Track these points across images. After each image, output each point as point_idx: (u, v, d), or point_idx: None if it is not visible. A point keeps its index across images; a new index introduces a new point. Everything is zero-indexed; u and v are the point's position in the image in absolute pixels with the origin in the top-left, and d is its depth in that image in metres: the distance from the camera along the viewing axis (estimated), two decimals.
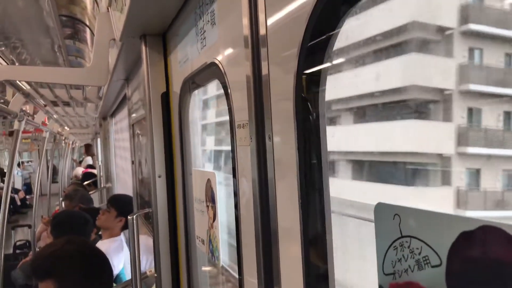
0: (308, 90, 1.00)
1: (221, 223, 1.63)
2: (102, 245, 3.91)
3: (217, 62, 1.50)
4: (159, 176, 2.28)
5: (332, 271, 0.98)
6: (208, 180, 1.67)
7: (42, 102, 5.71)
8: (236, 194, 1.36)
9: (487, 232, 0.52)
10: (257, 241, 1.17)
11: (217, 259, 1.63)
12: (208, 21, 1.57)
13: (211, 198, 1.66)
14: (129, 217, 2.32)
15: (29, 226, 7.60)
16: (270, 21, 1.10)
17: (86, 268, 2.30)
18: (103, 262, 2.47)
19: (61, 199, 7.08)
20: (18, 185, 18.00)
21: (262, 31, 1.13)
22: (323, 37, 0.93)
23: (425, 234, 0.62)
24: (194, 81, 1.90)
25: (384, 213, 0.69)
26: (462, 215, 0.56)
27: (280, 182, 1.10)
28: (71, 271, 2.25)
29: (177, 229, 2.31)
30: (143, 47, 2.32)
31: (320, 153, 0.99)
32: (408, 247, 0.65)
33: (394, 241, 0.67)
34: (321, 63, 0.97)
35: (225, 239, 1.76)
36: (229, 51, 1.43)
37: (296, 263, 1.01)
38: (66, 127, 11.06)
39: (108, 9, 2.78)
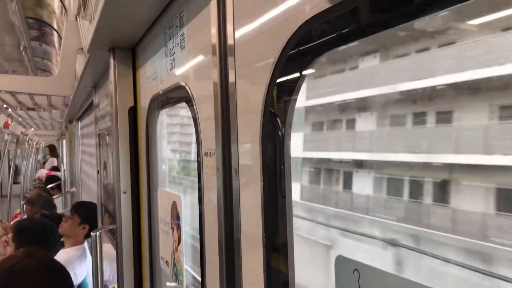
0: (278, 99, 1.01)
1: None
2: (64, 254, 3.81)
3: (185, 84, 1.49)
4: (124, 192, 2.24)
5: (293, 277, 1.01)
6: (174, 203, 1.66)
7: (4, 105, 5.52)
8: (201, 210, 1.37)
9: None
10: (221, 251, 1.18)
11: (181, 283, 1.62)
12: (178, 43, 1.57)
13: (176, 221, 1.64)
14: (92, 234, 2.27)
15: None
16: (239, 32, 1.11)
17: (46, 282, 2.23)
18: (63, 275, 2.41)
19: (22, 202, 6.85)
20: None
21: (230, 41, 1.14)
22: (301, 48, 0.94)
23: None
24: (163, 99, 1.88)
25: (344, 267, 0.70)
26: (418, 282, 0.57)
27: (244, 194, 1.12)
28: (31, 285, 2.18)
29: (141, 246, 2.27)
30: (112, 60, 2.27)
31: (284, 162, 1.01)
32: None
33: None
34: (298, 75, 0.98)
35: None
36: (197, 73, 1.43)
37: (258, 270, 1.03)
38: (31, 128, 10.74)
39: (76, 17, 2.71)
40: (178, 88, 1.56)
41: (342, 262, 0.71)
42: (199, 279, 1.39)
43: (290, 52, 0.91)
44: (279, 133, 1.02)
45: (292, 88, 1.00)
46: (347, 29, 0.80)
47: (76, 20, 2.71)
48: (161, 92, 1.81)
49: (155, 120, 2.03)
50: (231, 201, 1.15)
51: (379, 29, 0.71)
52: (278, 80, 0.97)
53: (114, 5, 1.67)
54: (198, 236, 1.41)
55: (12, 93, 4.71)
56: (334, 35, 0.86)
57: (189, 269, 1.81)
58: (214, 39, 1.18)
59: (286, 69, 0.95)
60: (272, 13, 0.96)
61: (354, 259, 0.69)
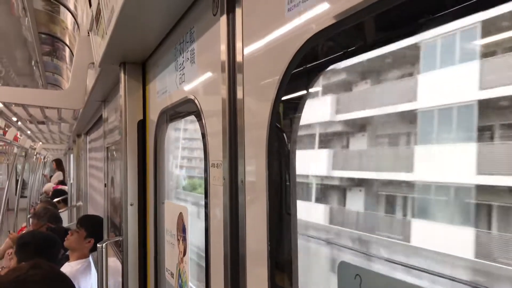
0: (284, 116, 1.03)
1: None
2: (69, 267, 3.81)
3: (194, 98, 1.53)
4: (131, 204, 2.26)
5: None
6: (180, 214, 1.68)
7: (15, 118, 5.61)
8: (207, 222, 1.39)
9: None
10: (226, 266, 1.19)
11: None
12: (188, 58, 1.61)
13: (182, 232, 1.66)
14: (98, 245, 2.29)
15: None
16: (247, 49, 1.15)
17: None
18: (68, 287, 2.41)
19: (28, 216, 6.88)
20: None
21: (238, 58, 1.17)
22: (307, 67, 0.97)
23: None
24: (172, 113, 1.92)
25: (347, 272, 0.72)
26: (418, 284, 0.59)
27: (250, 210, 1.13)
28: None
29: (147, 259, 2.28)
30: (122, 75, 2.32)
31: (290, 178, 1.03)
32: None
33: None
34: (302, 92, 1.01)
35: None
36: (206, 88, 1.47)
37: (263, 286, 1.04)
38: (39, 142, 10.84)
39: (88, 33, 2.78)
40: (187, 101, 1.60)
41: (344, 268, 0.73)
42: None
43: (295, 69, 0.95)
44: (285, 149, 1.04)
45: (297, 105, 1.03)
46: (352, 45, 0.83)
47: (89, 35, 2.78)
48: (171, 105, 1.85)
49: (163, 133, 2.07)
50: (237, 212, 1.17)
51: (384, 45, 0.74)
52: (284, 97, 1.00)
53: (126, 21, 1.72)
54: (203, 245, 1.43)
55: (24, 107, 4.79)
56: (339, 51, 0.90)
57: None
58: (224, 56, 1.22)
59: (291, 86, 0.98)
60: (279, 30, 0.99)
61: (356, 265, 0.71)
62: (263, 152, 1.04)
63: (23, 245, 4.11)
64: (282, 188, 1.05)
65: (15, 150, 7.03)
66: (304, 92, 1.02)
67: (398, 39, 0.69)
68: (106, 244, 2.33)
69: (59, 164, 14.22)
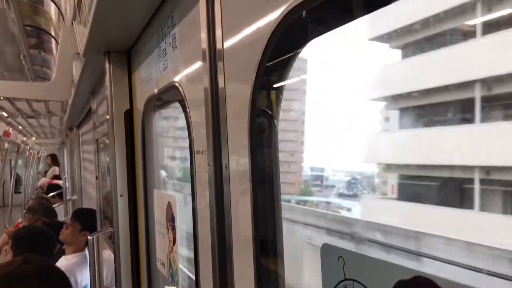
0: (264, 104, 1.02)
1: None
2: (65, 261, 3.81)
3: (177, 84, 1.50)
4: (121, 195, 2.24)
5: (283, 279, 1.02)
6: (169, 203, 1.66)
7: (4, 113, 5.54)
8: (194, 211, 1.38)
9: (421, 283, 0.53)
10: (213, 255, 1.19)
11: (176, 284, 1.61)
12: (170, 43, 1.57)
13: (171, 221, 1.64)
14: (89, 237, 2.27)
15: None
16: (227, 36, 1.12)
17: None
18: (62, 281, 2.39)
19: (24, 211, 6.85)
20: None
21: (219, 46, 1.15)
22: (283, 55, 0.95)
23: (366, 279, 0.63)
24: (158, 100, 1.89)
25: (329, 255, 0.70)
26: (400, 264, 0.57)
27: (234, 197, 1.12)
28: None
29: (139, 249, 2.27)
30: (107, 64, 2.29)
31: (273, 166, 1.03)
32: None
33: (338, 283, 0.68)
34: (279, 79, 1.00)
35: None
36: (189, 73, 1.44)
37: (249, 273, 1.03)
38: (32, 137, 10.77)
39: (72, 22, 2.73)
40: (171, 88, 1.57)
41: (327, 250, 0.71)
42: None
43: (272, 52, 0.92)
44: (268, 135, 1.03)
45: (277, 90, 1.02)
46: (332, 15, 0.80)
47: (72, 25, 2.73)
48: (155, 93, 1.82)
49: (150, 121, 2.04)
50: (222, 200, 1.16)
51: (364, 12, 0.71)
52: (262, 84, 0.98)
53: (107, 8, 1.68)
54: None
55: (10, 100, 4.73)
56: (316, 25, 0.87)
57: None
58: (204, 44, 1.19)
59: (268, 70, 0.97)
60: (256, 12, 0.97)
61: (339, 247, 0.69)
62: (245, 139, 1.02)
63: (18, 240, 4.10)
64: (265, 175, 1.04)
65: (6, 145, 6.97)
66: (283, 76, 1.00)
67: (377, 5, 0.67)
68: (97, 236, 2.31)
69: (54, 159, 14.18)
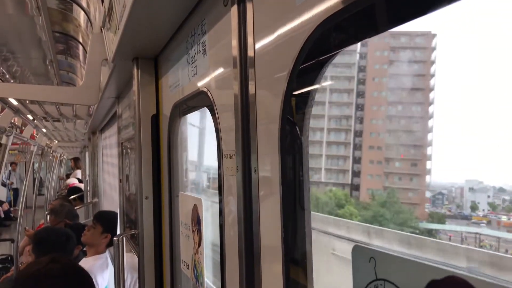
0: (295, 111, 1.04)
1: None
2: (86, 262, 3.87)
3: (206, 91, 1.54)
4: (146, 198, 2.29)
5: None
6: (195, 206, 1.69)
7: (31, 116, 5.70)
8: (221, 216, 1.40)
9: (454, 283, 0.55)
10: (241, 261, 1.20)
11: (201, 285, 1.64)
12: (199, 51, 1.62)
13: (197, 223, 1.67)
14: (114, 238, 2.32)
15: (12, 241, 7.46)
16: (258, 43, 1.15)
17: (69, 287, 2.28)
18: (86, 281, 2.45)
19: (46, 213, 6.99)
20: (3, 197, 17.72)
21: (250, 53, 1.18)
22: (315, 62, 0.97)
23: (398, 279, 0.65)
24: (184, 106, 1.94)
25: (361, 255, 0.72)
26: (432, 264, 0.59)
27: (263, 203, 1.14)
28: None
29: (162, 251, 2.31)
30: (135, 70, 2.35)
31: (303, 173, 1.03)
32: None
33: (369, 283, 0.70)
34: (311, 86, 1.01)
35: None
36: (218, 79, 1.47)
37: (278, 281, 1.04)
38: (55, 140, 10.99)
39: (101, 29, 2.81)
40: (200, 94, 1.61)
41: (358, 251, 0.73)
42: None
43: (305, 60, 0.94)
44: (298, 143, 1.05)
45: (307, 98, 1.03)
46: (362, 27, 0.83)
47: (101, 32, 2.81)
48: (183, 98, 1.86)
49: (177, 126, 2.08)
50: (250, 205, 1.17)
51: (394, 25, 0.73)
52: (294, 90, 1.00)
53: (138, 15, 1.73)
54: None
55: (39, 104, 4.87)
56: (349, 36, 0.90)
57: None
58: (235, 52, 1.22)
59: (301, 77, 0.98)
60: (289, 20, 0.99)
61: (370, 247, 0.71)
62: (275, 146, 1.04)
63: (39, 241, 4.20)
64: (295, 182, 1.05)
65: (32, 148, 7.13)
66: (315, 83, 1.02)
67: (410, 17, 0.69)
68: (122, 237, 2.36)
69: (76, 162, 14.43)
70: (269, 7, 1.10)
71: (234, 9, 1.23)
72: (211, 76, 1.53)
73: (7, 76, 5.64)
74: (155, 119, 2.33)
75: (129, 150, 3.41)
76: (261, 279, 1.14)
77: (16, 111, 4.45)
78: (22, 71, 5.98)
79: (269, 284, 1.11)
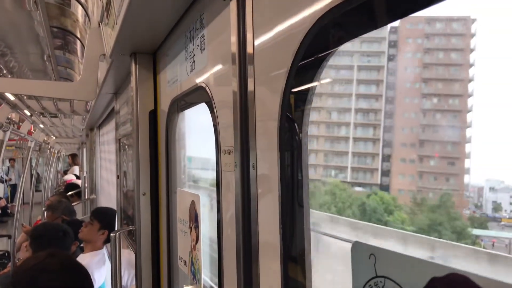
0: (294, 108, 1.03)
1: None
2: (83, 258, 3.86)
3: (205, 86, 1.52)
4: (144, 194, 2.28)
5: (310, 286, 1.01)
6: (192, 202, 1.68)
7: (28, 112, 5.67)
8: (219, 213, 1.39)
9: (455, 280, 0.54)
10: (238, 258, 1.19)
11: (198, 282, 1.63)
12: (198, 45, 1.60)
13: (194, 220, 1.66)
14: (111, 234, 2.31)
15: (9, 237, 7.45)
16: (257, 40, 1.13)
17: (67, 282, 2.27)
18: (84, 276, 2.44)
19: (43, 209, 6.97)
20: (0, 193, 17.69)
21: (249, 49, 1.16)
22: (314, 58, 0.96)
23: (398, 276, 0.64)
24: (183, 101, 1.92)
25: (361, 252, 0.71)
26: (433, 261, 0.58)
27: (262, 200, 1.13)
28: (52, 285, 2.22)
29: (160, 247, 2.30)
30: (133, 65, 2.33)
31: (302, 170, 1.03)
32: (383, 287, 0.66)
33: (369, 280, 0.69)
34: (310, 82, 1.01)
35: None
36: (217, 75, 1.46)
37: (276, 278, 1.03)
38: (52, 136, 10.96)
39: (99, 24, 2.79)
40: (198, 89, 1.59)
41: (358, 248, 0.72)
42: None
43: (304, 56, 0.93)
44: (297, 140, 1.04)
45: (306, 95, 1.02)
46: (361, 22, 0.81)
47: (99, 27, 2.79)
48: (181, 94, 1.85)
49: (174, 122, 2.07)
50: (249, 202, 1.16)
51: (394, 19, 0.72)
52: (293, 87, 0.99)
53: (136, 10, 1.72)
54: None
55: (36, 99, 4.85)
56: (349, 31, 0.88)
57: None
58: (234, 48, 1.21)
59: (300, 74, 0.98)
60: (289, 15, 0.98)
61: (370, 244, 0.70)
62: (274, 142, 1.03)
63: (37, 237, 4.18)
64: (294, 179, 1.04)
65: (29, 143, 7.11)
66: (314, 79, 1.01)
67: (410, 11, 0.68)
68: (119, 234, 2.35)
69: (74, 158, 14.40)
70: (269, 1, 1.09)
71: (233, 4, 1.22)
72: (210, 72, 1.51)
73: (5, 72, 5.61)
74: (153, 115, 2.32)
75: (126, 146, 3.39)
76: (259, 276, 1.14)
77: (13, 106, 4.43)
78: (19, 66, 5.94)
79: (267, 281, 1.10)
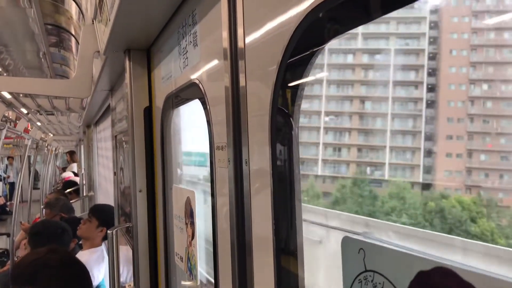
0: (285, 103, 1.03)
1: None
2: (82, 255, 3.87)
3: (198, 82, 1.52)
4: (140, 191, 2.28)
5: (303, 279, 1.02)
6: (188, 198, 1.68)
7: (24, 110, 5.66)
8: (214, 209, 1.39)
9: (442, 273, 0.54)
10: (233, 252, 1.20)
11: (195, 278, 1.64)
12: (191, 42, 1.60)
13: (190, 216, 1.67)
14: (108, 232, 2.32)
15: (8, 235, 7.45)
16: (248, 35, 1.14)
17: (66, 278, 2.29)
18: (83, 272, 2.46)
19: (42, 207, 6.98)
20: None
21: (240, 45, 1.17)
22: (304, 53, 0.97)
23: (387, 270, 0.65)
24: (177, 98, 1.92)
25: (350, 247, 0.71)
26: (421, 255, 0.59)
27: (255, 196, 1.14)
28: (52, 280, 2.24)
29: (157, 244, 2.30)
30: (127, 62, 2.33)
31: (293, 164, 1.04)
32: (372, 281, 0.67)
33: (358, 275, 0.69)
34: (300, 78, 1.01)
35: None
36: (209, 71, 1.46)
37: (269, 272, 1.04)
38: (50, 134, 10.94)
39: (93, 21, 2.78)
40: (191, 85, 1.60)
41: (348, 242, 0.73)
42: None
43: (294, 51, 0.94)
44: (289, 134, 1.05)
45: (297, 90, 1.03)
46: (352, 15, 0.81)
47: (93, 23, 2.78)
48: (175, 90, 1.85)
49: (169, 119, 2.07)
50: (242, 197, 1.17)
51: (386, 12, 0.72)
52: (284, 82, 1.00)
53: (129, 6, 1.71)
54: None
55: (32, 97, 4.84)
56: (341, 25, 0.88)
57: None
58: (225, 43, 1.21)
59: (290, 68, 0.98)
60: (279, 10, 0.98)
61: (359, 239, 0.70)
62: (266, 138, 1.04)
63: (35, 234, 4.19)
64: (286, 173, 1.05)
65: (26, 141, 7.10)
66: (304, 74, 1.01)
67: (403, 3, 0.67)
68: (116, 230, 2.36)
69: (72, 156, 14.38)
70: None
71: (224, 1, 1.22)
72: (202, 68, 1.51)
73: (0, 70, 5.60)
74: (148, 112, 2.32)
75: (123, 143, 3.39)
76: (253, 270, 1.15)
77: (8, 104, 4.42)
78: (15, 64, 5.93)
79: (261, 275, 1.12)
